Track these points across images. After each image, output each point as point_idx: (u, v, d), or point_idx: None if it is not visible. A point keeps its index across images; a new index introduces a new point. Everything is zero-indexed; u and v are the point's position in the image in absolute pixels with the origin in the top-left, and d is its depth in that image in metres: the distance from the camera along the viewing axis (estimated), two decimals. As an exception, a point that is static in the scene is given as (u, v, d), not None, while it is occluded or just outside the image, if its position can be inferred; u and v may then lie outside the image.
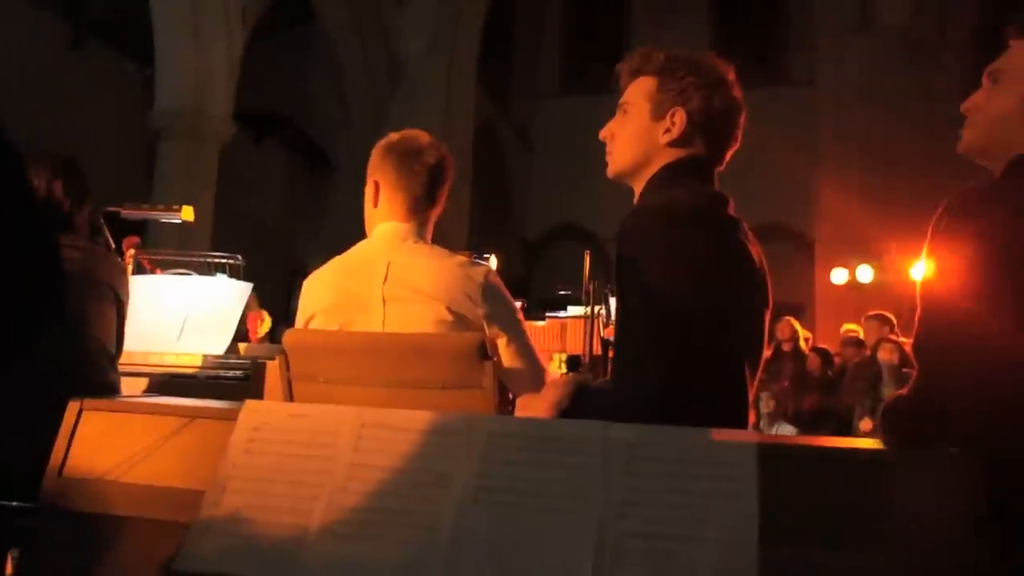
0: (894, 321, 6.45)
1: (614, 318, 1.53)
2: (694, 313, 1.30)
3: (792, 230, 13.06)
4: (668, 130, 1.49)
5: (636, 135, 1.51)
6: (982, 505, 0.86)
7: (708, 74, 1.50)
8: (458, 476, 0.93)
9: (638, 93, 1.53)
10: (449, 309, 1.79)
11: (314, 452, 0.99)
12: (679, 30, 13.34)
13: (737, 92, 1.53)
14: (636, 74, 1.55)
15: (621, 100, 1.56)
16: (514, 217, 15.79)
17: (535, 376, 1.85)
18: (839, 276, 10.46)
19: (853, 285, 10.24)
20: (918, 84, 10.14)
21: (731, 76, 1.53)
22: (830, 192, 10.51)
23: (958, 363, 1.20)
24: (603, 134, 1.57)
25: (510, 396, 1.86)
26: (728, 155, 1.55)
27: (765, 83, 14.12)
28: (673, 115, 1.49)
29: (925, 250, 1.33)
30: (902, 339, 6.03)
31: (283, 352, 1.76)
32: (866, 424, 5.51)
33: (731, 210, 1.47)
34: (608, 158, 1.56)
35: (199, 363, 2.60)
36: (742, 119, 1.54)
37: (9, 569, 2.05)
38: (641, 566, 0.85)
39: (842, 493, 0.90)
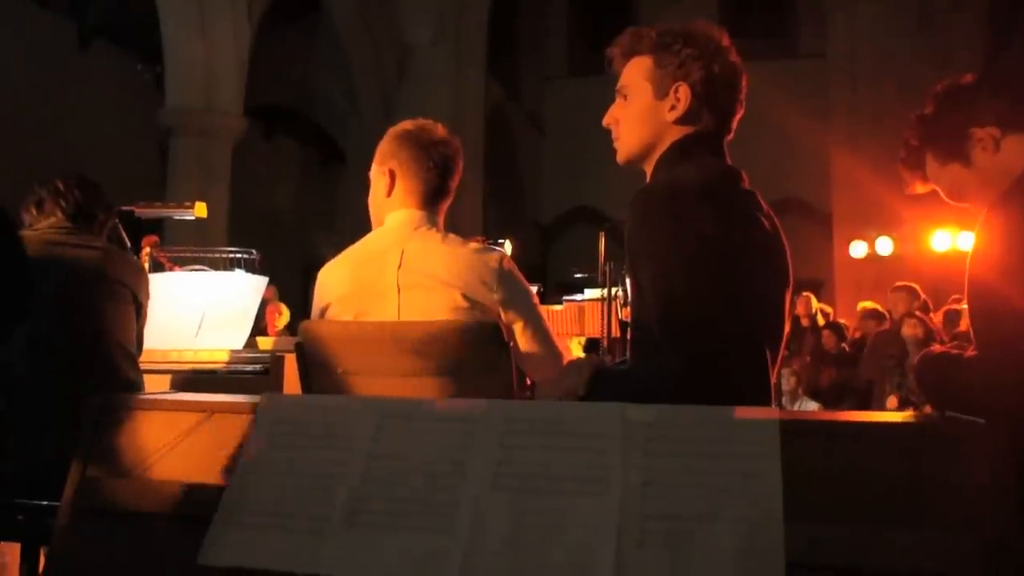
0: (921, 293, 6.39)
1: (630, 299, 1.51)
2: (705, 291, 1.28)
3: (808, 204, 12.95)
4: (673, 107, 1.46)
5: (642, 117, 1.49)
6: (1013, 480, 0.85)
7: (704, 43, 1.47)
8: (476, 463, 0.93)
9: (636, 75, 1.50)
10: (464, 295, 1.79)
11: (332, 443, 0.99)
12: (686, 5, 13.21)
13: (735, 57, 1.50)
14: (629, 55, 1.52)
15: (619, 85, 1.53)
16: (528, 202, 15.76)
17: (552, 360, 1.84)
18: (858, 249, 10.37)
19: (872, 258, 10.17)
20: (930, 51, 10.00)
21: (726, 41, 1.50)
22: (845, 164, 10.41)
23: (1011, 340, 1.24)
24: (607, 121, 1.54)
25: (528, 381, 1.86)
26: (735, 122, 1.52)
27: (776, 56, 13.99)
28: (676, 90, 1.46)
29: (980, 228, 1.36)
30: (924, 312, 5.98)
31: (299, 344, 1.77)
32: (892, 402, 5.47)
33: (745, 184, 1.45)
34: (616, 144, 1.54)
35: (219, 358, 2.62)
36: (744, 83, 1.51)
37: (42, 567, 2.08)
38: (664, 548, 0.84)
39: (869, 468, 0.89)
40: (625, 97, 1.52)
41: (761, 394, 1.32)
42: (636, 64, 1.51)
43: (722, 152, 1.49)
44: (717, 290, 1.28)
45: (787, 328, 1.47)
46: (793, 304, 7.32)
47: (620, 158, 1.54)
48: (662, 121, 1.47)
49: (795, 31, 14.72)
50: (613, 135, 1.54)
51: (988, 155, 1.45)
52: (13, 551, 2.22)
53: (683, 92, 1.46)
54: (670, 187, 1.39)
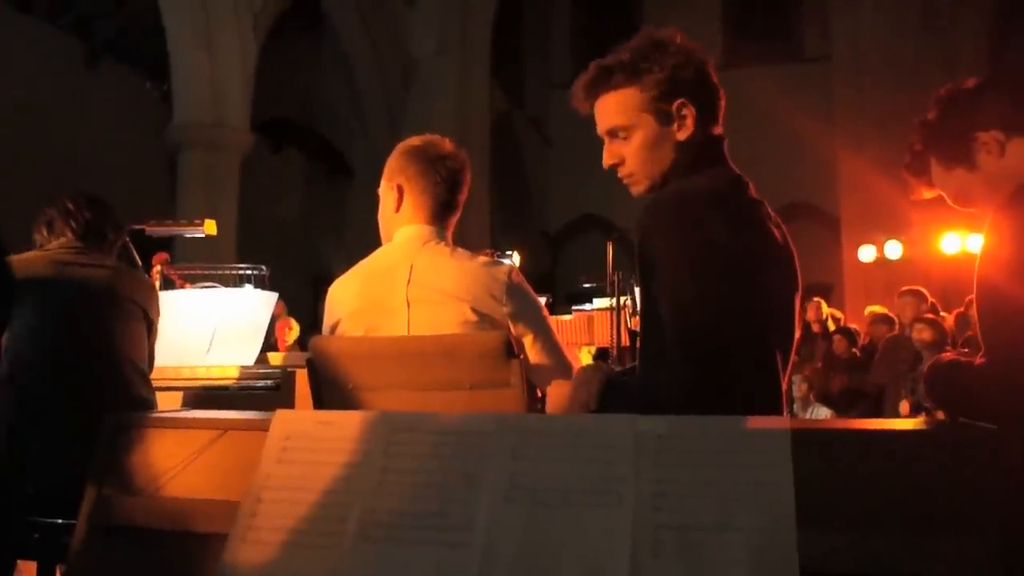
0: (929, 296, 6.36)
1: (639, 308, 1.51)
2: (716, 299, 1.28)
3: (816, 208, 12.94)
4: (682, 126, 1.44)
5: (653, 148, 1.45)
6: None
7: (675, 49, 1.45)
8: (490, 476, 0.93)
9: (628, 110, 1.45)
10: (474, 309, 1.79)
11: (345, 459, 0.99)
12: (690, 13, 13.24)
13: (691, 44, 1.47)
14: (602, 92, 1.47)
15: (610, 126, 1.47)
16: (535, 210, 15.78)
17: (562, 372, 1.84)
18: (866, 253, 10.34)
19: (881, 262, 10.13)
20: (936, 51, 9.98)
21: (679, 37, 1.47)
22: (852, 168, 10.39)
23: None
24: (610, 162, 1.49)
25: (539, 394, 1.86)
26: (723, 103, 1.49)
27: (781, 60, 13.99)
28: (680, 110, 1.43)
29: (988, 231, 1.36)
30: (933, 315, 5.95)
31: (310, 360, 1.77)
32: (904, 408, 5.44)
33: (752, 193, 1.45)
34: (629, 180, 1.49)
35: (231, 375, 2.63)
36: (710, 63, 1.49)
37: (57, 585, 2.09)
38: (678, 558, 0.84)
39: (881, 476, 0.89)
40: (623, 136, 1.47)
41: (772, 399, 1.32)
42: (620, 99, 1.45)
43: (726, 159, 1.49)
44: (727, 296, 1.28)
45: (797, 333, 1.47)
46: (803, 309, 7.30)
47: (640, 191, 1.49)
48: (674, 144, 1.45)
49: (799, 34, 14.72)
50: (622, 172, 1.49)
51: (993, 159, 1.45)
52: (30, 569, 2.23)
53: (688, 110, 1.44)
54: (679, 196, 1.39)
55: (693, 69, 1.45)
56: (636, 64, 1.44)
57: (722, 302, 1.28)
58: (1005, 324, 1.29)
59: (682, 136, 1.45)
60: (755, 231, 1.38)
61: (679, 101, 1.44)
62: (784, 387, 1.37)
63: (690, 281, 1.30)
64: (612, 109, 1.47)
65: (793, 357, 1.46)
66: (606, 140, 1.50)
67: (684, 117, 1.44)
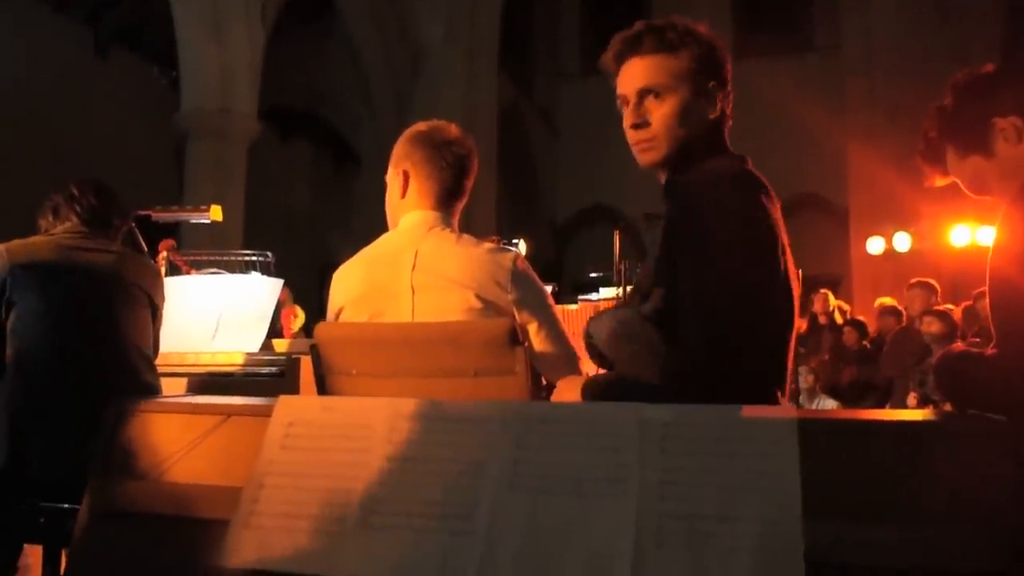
0: (939, 289, 6.32)
1: (652, 296, 1.50)
2: (744, 284, 1.29)
3: (825, 200, 12.87)
4: (713, 105, 1.46)
5: (683, 118, 1.44)
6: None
7: (708, 37, 1.47)
8: (493, 463, 0.93)
9: (669, 74, 1.44)
10: (478, 296, 1.79)
11: (349, 445, 0.99)
12: (701, 2, 13.15)
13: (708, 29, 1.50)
14: (645, 51, 1.46)
15: (645, 84, 1.45)
16: (542, 201, 15.74)
17: (567, 360, 1.84)
18: (875, 246, 10.29)
19: (890, 254, 10.07)
20: (947, 42, 9.90)
21: (703, 28, 1.49)
22: (862, 160, 10.32)
23: None
24: (634, 120, 1.46)
25: (543, 382, 1.85)
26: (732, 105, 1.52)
27: (790, 51, 13.91)
28: (714, 90, 1.45)
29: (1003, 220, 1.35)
30: (949, 306, 5.92)
31: (314, 346, 1.77)
32: (912, 400, 5.41)
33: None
34: (646, 145, 1.46)
35: (235, 361, 2.63)
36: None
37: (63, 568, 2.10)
38: (682, 547, 0.84)
39: (888, 466, 0.88)
40: (656, 97, 1.45)
41: (780, 386, 1.33)
42: (662, 61, 1.45)
43: (729, 146, 1.50)
44: (754, 282, 1.30)
45: (803, 324, 1.47)
46: (810, 301, 7.27)
47: (651, 159, 1.47)
48: (700, 121, 1.46)
49: (809, 24, 14.61)
50: (642, 135, 1.46)
51: (1010, 145, 1.43)
52: (36, 553, 2.24)
53: (720, 92, 1.46)
54: (708, 178, 1.39)
55: (724, 57, 1.48)
56: (685, 34, 1.46)
57: (749, 288, 1.29)
58: (1016, 316, 1.28)
59: (711, 115, 1.47)
60: (771, 210, 1.39)
61: (713, 82, 1.46)
62: (790, 366, 1.38)
63: (723, 264, 1.30)
64: (652, 69, 1.46)
65: (795, 346, 1.46)
66: (631, 101, 1.47)
67: (715, 100, 1.47)
